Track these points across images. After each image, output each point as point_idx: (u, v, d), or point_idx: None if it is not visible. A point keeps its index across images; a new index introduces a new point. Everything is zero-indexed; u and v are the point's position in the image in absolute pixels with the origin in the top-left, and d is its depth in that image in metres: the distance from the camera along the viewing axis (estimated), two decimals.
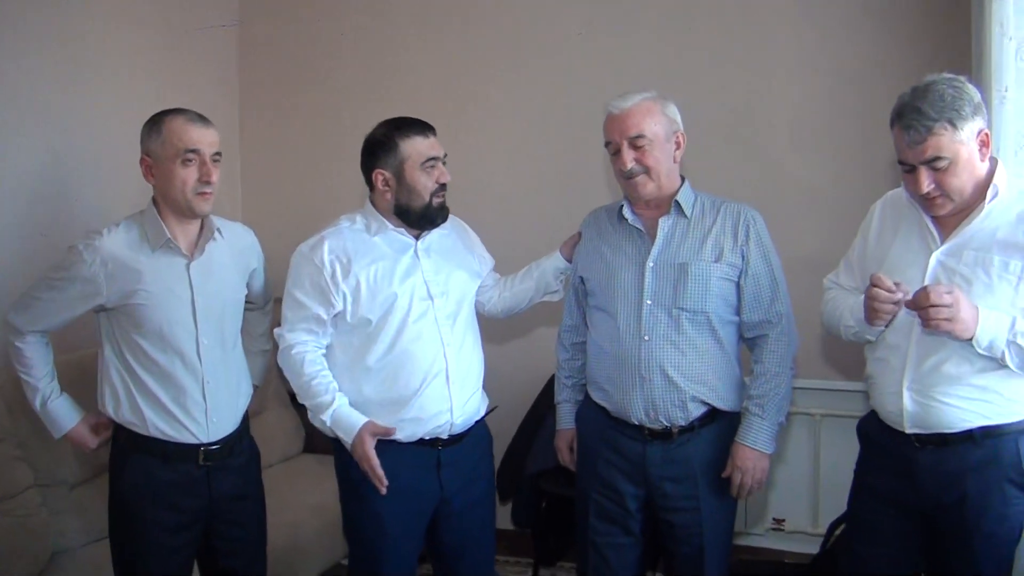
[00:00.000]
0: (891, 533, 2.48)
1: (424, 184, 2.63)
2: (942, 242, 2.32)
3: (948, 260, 2.30)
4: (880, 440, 2.49)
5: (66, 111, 3.53)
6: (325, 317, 2.62)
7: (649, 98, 2.60)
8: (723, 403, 2.62)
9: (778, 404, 2.61)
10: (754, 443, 2.59)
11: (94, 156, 3.64)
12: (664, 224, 2.61)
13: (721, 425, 2.63)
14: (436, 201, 2.65)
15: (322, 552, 3.49)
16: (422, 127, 2.67)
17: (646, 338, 2.57)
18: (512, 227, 3.67)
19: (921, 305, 2.16)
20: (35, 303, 2.58)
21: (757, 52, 3.89)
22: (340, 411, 2.59)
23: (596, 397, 2.73)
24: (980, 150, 2.23)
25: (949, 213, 2.29)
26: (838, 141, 3.75)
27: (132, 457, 2.58)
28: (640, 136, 2.55)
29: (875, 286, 2.24)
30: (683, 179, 2.67)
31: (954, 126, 2.18)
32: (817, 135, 3.81)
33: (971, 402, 2.28)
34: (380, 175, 2.65)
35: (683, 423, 2.59)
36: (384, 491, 2.56)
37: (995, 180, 2.25)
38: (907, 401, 2.35)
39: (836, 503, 3.29)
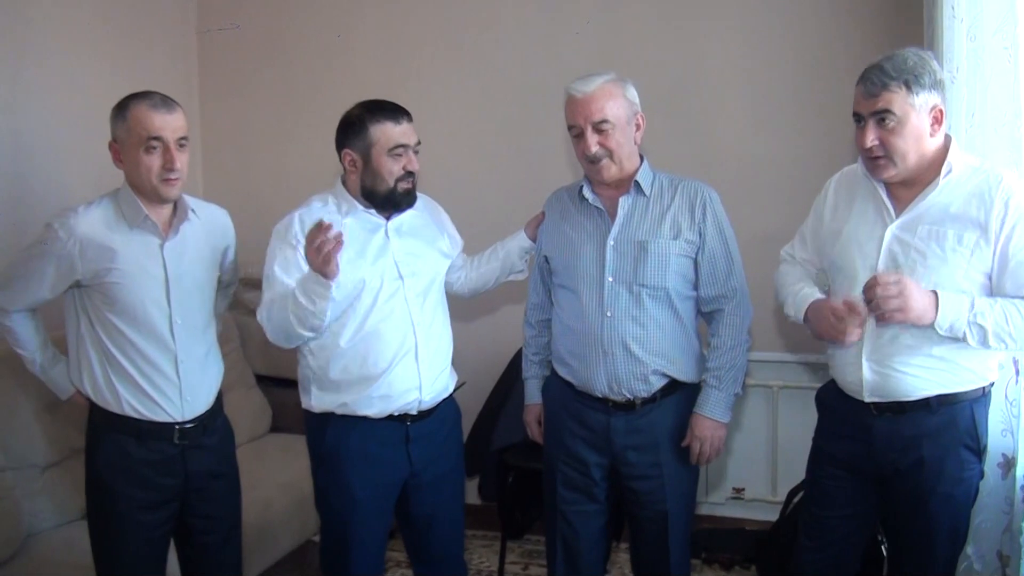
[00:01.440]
0: (848, 498, 2.54)
1: (389, 170, 2.64)
2: (897, 217, 2.37)
3: (903, 234, 2.35)
4: (838, 408, 2.55)
5: (19, 91, 3.50)
6: None
7: (610, 80, 2.62)
8: (683, 375, 2.69)
9: (734, 376, 2.69)
10: (711, 413, 2.67)
11: (51, 136, 3.63)
12: (624, 203, 2.66)
13: (681, 396, 2.71)
14: (401, 187, 2.66)
15: (293, 529, 3.52)
16: (395, 112, 2.67)
17: (608, 314, 2.63)
18: (476, 208, 3.69)
19: (869, 290, 2.24)
20: (14, 281, 2.58)
21: (710, 29, 3.93)
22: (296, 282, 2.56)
23: (561, 372, 2.78)
24: (932, 125, 2.29)
25: (891, 179, 2.35)
26: (793, 119, 3.80)
27: (107, 436, 2.58)
28: (604, 121, 2.58)
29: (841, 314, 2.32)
30: (642, 158, 2.71)
31: (909, 89, 2.25)
32: (772, 113, 3.86)
33: (928, 371, 2.34)
34: (348, 155, 2.67)
35: (645, 395, 2.66)
36: (328, 225, 2.41)
37: (949, 157, 2.30)
38: (866, 371, 2.41)
39: (794, 472, 3.37)
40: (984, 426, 2.41)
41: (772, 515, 3.74)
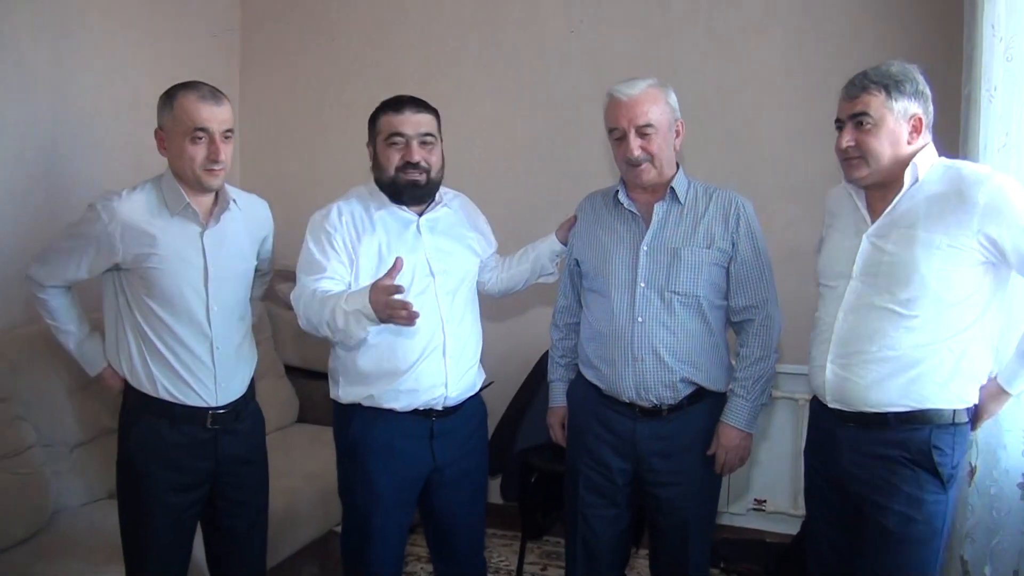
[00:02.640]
0: (833, 512, 2.53)
1: (388, 159, 2.68)
2: (872, 225, 2.39)
3: (877, 241, 2.35)
4: (816, 419, 2.57)
5: (62, 69, 3.54)
6: (342, 272, 2.64)
7: (654, 85, 2.64)
8: (711, 383, 2.69)
9: (762, 386, 2.68)
10: (737, 423, 2.67)
11: (91, 115, 3.67)
12: (659, 209, 2.67)
13: (708, 404, 2.70)
14: (403, 179, 2.68)
15: (316, 519, 3.55)
16: (396, 104, 2.70)
17: (639, 319, 2.63)
18: (509, 210, 3.71)
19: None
20: (54, 257, 2.62)
21: (752, 41, 3.93)
22: (350, 295, 2.50)
23: (588, 376, 2.78)
24: (911, 133, 2.32)
25: (863, 179, 2.37)
26: (830, 133, 3.78)
27: (141, 417, 2.61)
28: (648, 125, 2.59)
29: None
30: (677, 166, 2.72)
31: (888, 94, 2.30)
32: (809, 127, 3.82)
33: (889, 378, 2.32)
34: (369, 148, 2.75)
35: (672, 402, 2.66)
36: (414, 314, 2.37)
37: (915, 160, 2.31)
38: (829, 373, 2.42)
39: None
40: (948, 455, 2.31)
41: (793, 528, 3.73)
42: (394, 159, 2.67)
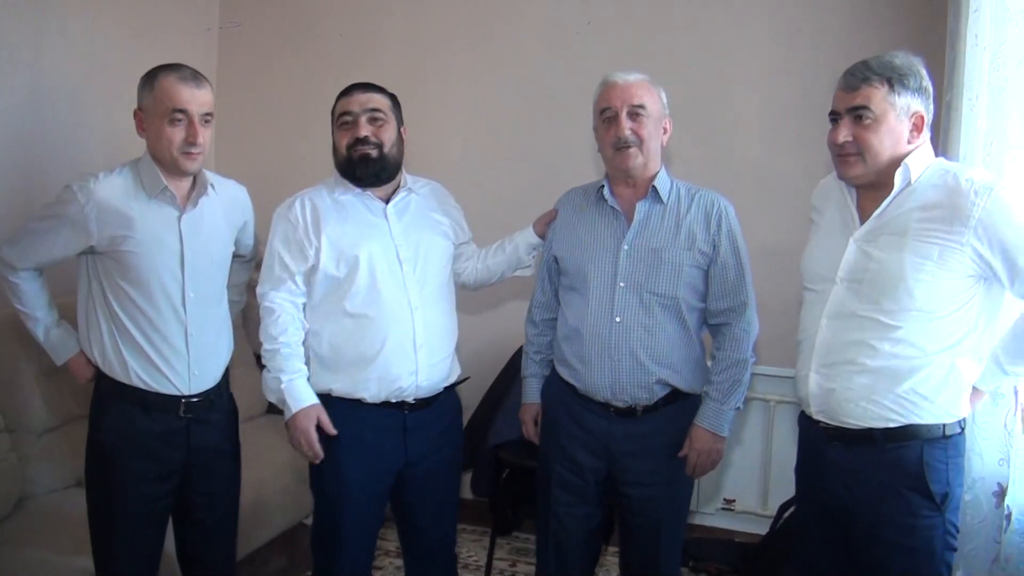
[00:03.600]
0: (824, 535, 2.43)
1: (339, 139, 2.72)
2: (861, 226, 2.30)
3: (865, 245, 2.26)
4: (805, 436, 2.50)
5: (41, 53, 3.50)
6: (300, 271, 2.67)
7: (647, 79, 2.67)
8: (686, 386, 2.69)
9: (737, 391, 2.69)
10: (710, 426, 2.67)
11: (69, 99, 3.64)
12: (641, 208, 2.66)
13: (683, 406, 2.70)
14: (354, 155, 2.69)
15: (285, 511, 3.55)
16: (348, 88, 2.75)
17: (618, 319, 2.62)
18: (488, 204, 3.70)
19: None
20: (27, 238, 2.59)
21: (731, 41, 3.95)
22: (299, 383, 2.64)
23: (563, 374, 2.77)
24: (911, 131, 2.21)
25: (858, 178, 2.26)
26: (809, 134, 3.80)
27: (113, 405, 2.59)
28: (640, 106, 2.61)
29: None
30: (661, 165, 2.72)
31: (891, 87, 2.18)
32: (788, 127, 3.88)
33: (878, 393, 2.23)
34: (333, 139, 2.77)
35: (647, 403, 2.65)
36: (318, 461, 2.68)
37: (907, 161, 2.21)
38: (812, 383, 2.35)
39: (786, 486, 3.35)
40: (941, 472, 2.22)
41: (761, 528, 3.76)
42: (345, 138, 2.70)
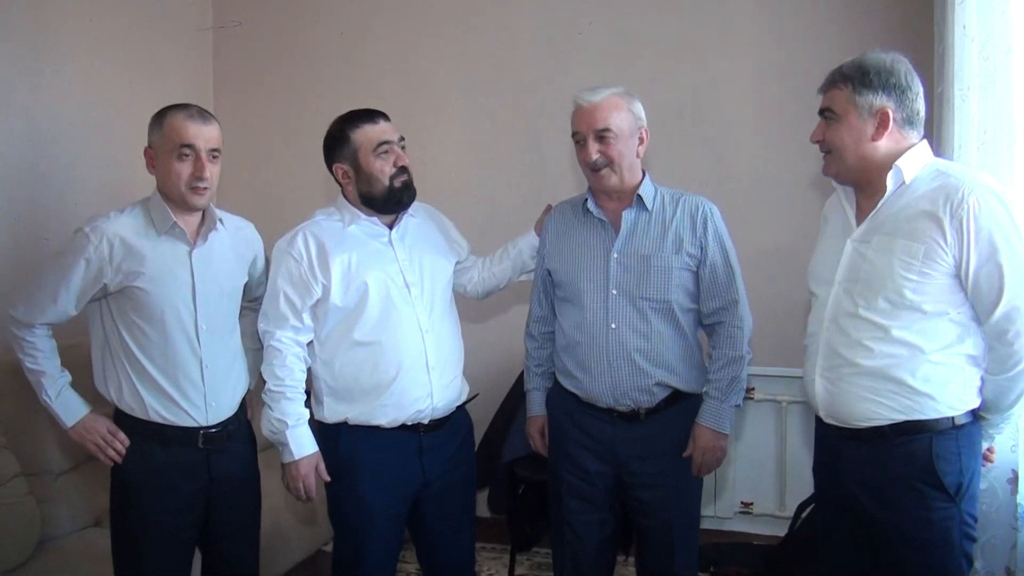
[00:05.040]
0: (844, 534, 2.44)
1: (380, 169, 2.68)
2: (857, 228, 2.34)
3: (860, 246, 2.30)
4: (820, 436, 2.51)
5: (38, 95, 3.53)
6: (307, 307, 2.67)
7: (617, 93, 2.67)
8: (686, 386, 2.72)
9: (735, 387, 2.71)
10: (712, 423, 2.69)
11: (69, 140, 3.66)
12: (627, 216, 2.70)
13: (685, 406, 2.73)
14: (398, 183, 2.69)
15: (304, 539, 3.55)
16: (370, 115, 2.72)
17: (613, 326, 2.66)
18: (482, 216, 3.73)
19: None
20: (40, 292, 2.57)
21: (721, 47, 3.98)
22: (302, 430, 2.67)
23: (565, 384, 2.81)
24: (877, 128, 2.24)
25: (837, 176, 2.35)
26: (801, 136, 3.79)
27: (133, 442, 2.60)
28: (606, 129, 2.62)
29: None
30: (644, 173, 2.74)
31: (854, 88, 2.24)
32: (780, 129, 3.89)
33: (878, 393, 2.25)
34: (340, 168, 2.73)
35: (649, 405, 2.69)
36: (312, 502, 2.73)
37: (898, 163, 2.23)
38: (819, 387, 2.38)
39: (802, 486, 3.38)
40: (954, 463, 2.22)
41: (780, 530, 3.75)
42: (387, 168, 2.69)
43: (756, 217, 3.75)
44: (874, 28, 3.68)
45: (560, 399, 2.85)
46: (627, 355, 2.65)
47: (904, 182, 2.24)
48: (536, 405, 2.97)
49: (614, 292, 2.67)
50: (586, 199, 2.76)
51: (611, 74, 3.50)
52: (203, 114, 2.60)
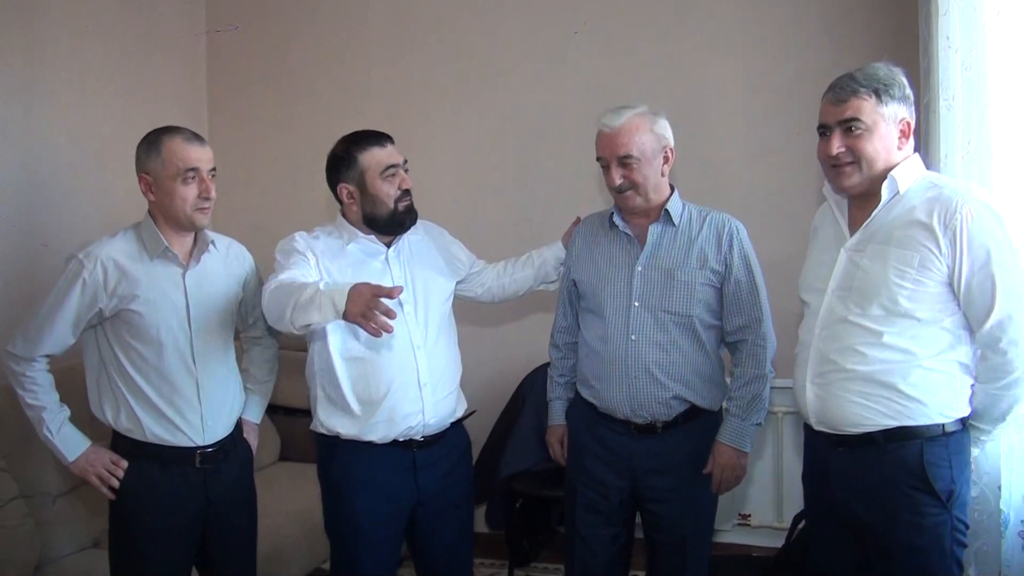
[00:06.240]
0: (834, 542, 2.46)
1: (386, 192, 2.69)
2: (851, 237, 2.36)
3: (854, 255, 2.32)
4: (809, 444, 2.54)
5: (31, 124, 3.54)
6: (312, 272, 2.62)
7: (639, 114, 2.68)
8: (704, 402, 2.73)
9: (757, 406, 2.72)
10: (733, 442, 2.71)
11: (63, 170, 3.66)
12: (654, 231, 2.72)
13: (703, 422, 2.74)
14: (402, 206, 2.71)
15: (302, 557, 3.53)
16: (378, 138, 2.74)
17: (633, 338, 2.68)
18: (480, 233, 3.74)
19: None
20: (39, 323, 2.56)
21: (709, 59, 4.01)
22: (327, 285, 2.42)
23: (584, 394, 2.82)
24: (900, 138, 2.28)
25: (854, 187, 2.31)
26: (791, 147, 3.84)
27: (131, 464, 2.61)
28: (628, 156, 2.64)
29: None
30: (672, 188, 2.77)
31: (879, 98, 2.25)
32: (770, 141, 3.93)
33: (868, 398, 2.27)
34: (344, 189, 2.73)
35: (666, 419, 2.70)
36: (384, 327, 2.26)
37: (893, 173, 2.27)
38: (809, 394, 2.39)
39: (798, 498, 3.36)
40: (945, 470, 2.24)
41: (778, 541, 3.74)
42: (393, 191, 2.70)
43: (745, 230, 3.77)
44: (861, 41, 3.72)
45: (579, 411, 2.87)
46: (645, 367, 2.67)
47: (898, 192, 2.28)
48: (557, 415, 2.99)
49: (636, 304, 2.68)
50: (612, 213, 2.78)
51: (602, 89, 3.52)
52: (198, 136, 2.63)
